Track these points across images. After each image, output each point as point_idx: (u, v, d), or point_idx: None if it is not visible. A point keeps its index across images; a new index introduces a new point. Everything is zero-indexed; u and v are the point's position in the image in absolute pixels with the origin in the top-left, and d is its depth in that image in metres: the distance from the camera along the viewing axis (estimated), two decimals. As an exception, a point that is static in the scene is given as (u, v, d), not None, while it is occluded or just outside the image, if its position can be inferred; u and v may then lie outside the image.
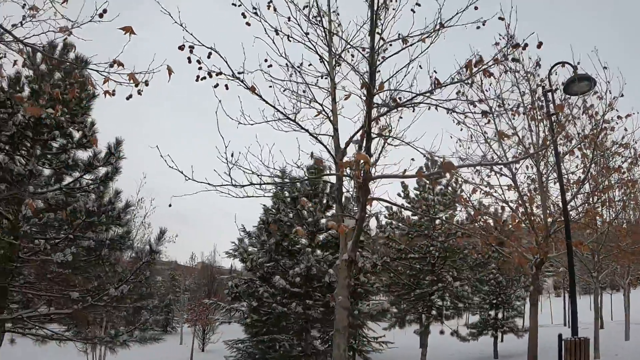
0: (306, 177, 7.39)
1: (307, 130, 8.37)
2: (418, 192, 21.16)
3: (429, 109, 9.04)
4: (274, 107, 7.67)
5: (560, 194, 11.46)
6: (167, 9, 6.28)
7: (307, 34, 8.01)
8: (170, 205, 13.53)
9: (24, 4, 7.03)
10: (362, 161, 5.87)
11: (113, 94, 7.38)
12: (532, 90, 12.21)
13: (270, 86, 8.39)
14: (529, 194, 12.41)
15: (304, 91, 8.42)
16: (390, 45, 8.11)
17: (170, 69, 6.60)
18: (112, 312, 10.87)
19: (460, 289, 18.00)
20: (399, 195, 20.66)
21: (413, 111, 9.50)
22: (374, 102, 7.83)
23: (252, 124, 7.40)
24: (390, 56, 7.53)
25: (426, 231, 18.52)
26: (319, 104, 8.56)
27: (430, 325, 18.91)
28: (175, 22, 6.34)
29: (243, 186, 6.50)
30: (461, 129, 17.78)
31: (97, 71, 8.50)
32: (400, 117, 9.60)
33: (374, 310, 14.98)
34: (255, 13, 8.11)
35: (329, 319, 15.53)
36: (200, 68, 6.93)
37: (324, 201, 18.66)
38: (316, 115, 8.40)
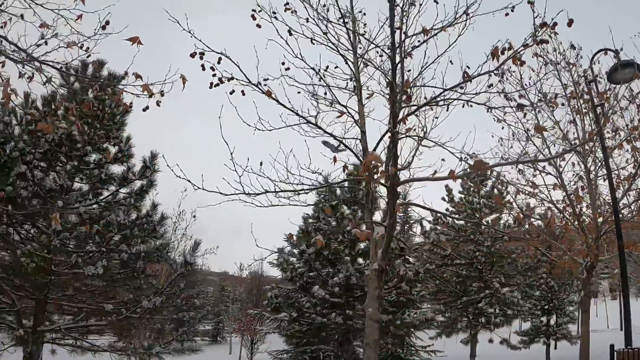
0: (328, 183, 7.04)
1: (330, 134, 8.09)
2: (463, 196, 20.42)
3: (463, 106, 8.65)
4: (293, 111, 7.42)
5: (609, 192, 10.69)
6: (175, 17, 6.18)
7: (325, 33, 7.76)
8: (194, 216, 13.35)
9: (42, 23, 7.12)
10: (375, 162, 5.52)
11: (130, 107, 7.38)
12: (575, 82, 11.51)
13: (299, 92, 8.20)
14: (575, 193, 11.64)
15: (325, 93, 8.15)
16: (419, 41, 7.79)
17: (184, 77, 6.49)
18: (146, 324, 10.88)
19: (509, 295, 17.12)
20: (443, 199, 20.00)
21: (447, 110, 9.10)
22: (398, 101, 7.50)
23: (270, 130, 7.18)
24: (411, 50, 7.17)
25: (472, 236, 17.79)
26: (342, 105, 8.28)
27: (478, 333, 18.11)
28: (184, 29, 6.24)
29: (257, 194, 6.26)
30: (502, 127, 17.03)
31: (113, 85, 8.44)
32: (436, 117, 9.19)
33: (417, 319, 14.43)
34: (275, 17, 7.95)
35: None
36: (214, 75, 6.78)
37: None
38: (339, 117, 8.11)
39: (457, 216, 17.34)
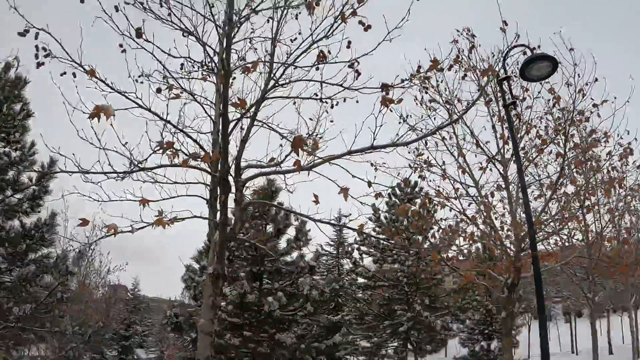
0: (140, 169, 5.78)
1: (169, 121, 6.83)
2: (389, 216, 18.95)
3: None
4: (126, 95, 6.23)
5: (522, 196, 9.58)
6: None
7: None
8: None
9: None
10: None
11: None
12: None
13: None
14: (485, 202, 10.52)
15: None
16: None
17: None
18: (20, 332, 11.43)
19: (433, 319, 15.62)
20: (369, 219, 18.49)
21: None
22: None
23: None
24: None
25: (395, 256, 16.45)
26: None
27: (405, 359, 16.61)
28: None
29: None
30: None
31: None
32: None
33: (325, 344, 12.97)
34: None
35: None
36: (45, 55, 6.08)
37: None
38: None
39: (385, 237, 16.03)
